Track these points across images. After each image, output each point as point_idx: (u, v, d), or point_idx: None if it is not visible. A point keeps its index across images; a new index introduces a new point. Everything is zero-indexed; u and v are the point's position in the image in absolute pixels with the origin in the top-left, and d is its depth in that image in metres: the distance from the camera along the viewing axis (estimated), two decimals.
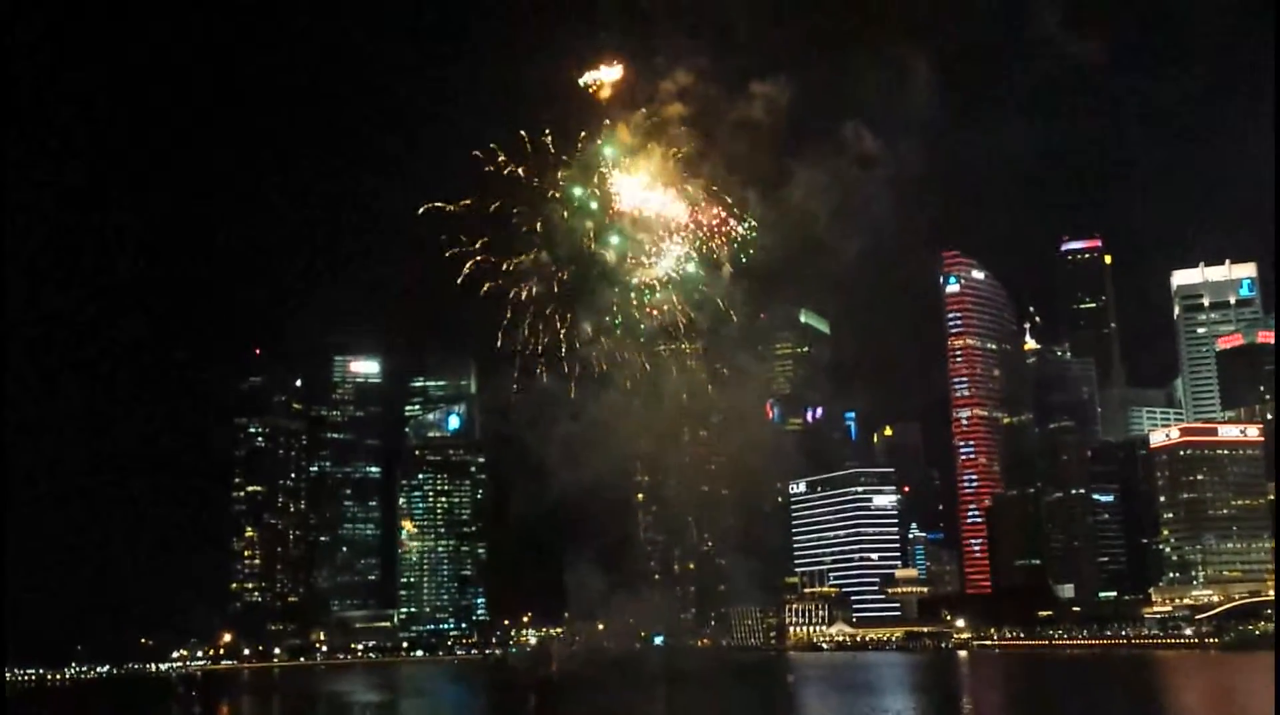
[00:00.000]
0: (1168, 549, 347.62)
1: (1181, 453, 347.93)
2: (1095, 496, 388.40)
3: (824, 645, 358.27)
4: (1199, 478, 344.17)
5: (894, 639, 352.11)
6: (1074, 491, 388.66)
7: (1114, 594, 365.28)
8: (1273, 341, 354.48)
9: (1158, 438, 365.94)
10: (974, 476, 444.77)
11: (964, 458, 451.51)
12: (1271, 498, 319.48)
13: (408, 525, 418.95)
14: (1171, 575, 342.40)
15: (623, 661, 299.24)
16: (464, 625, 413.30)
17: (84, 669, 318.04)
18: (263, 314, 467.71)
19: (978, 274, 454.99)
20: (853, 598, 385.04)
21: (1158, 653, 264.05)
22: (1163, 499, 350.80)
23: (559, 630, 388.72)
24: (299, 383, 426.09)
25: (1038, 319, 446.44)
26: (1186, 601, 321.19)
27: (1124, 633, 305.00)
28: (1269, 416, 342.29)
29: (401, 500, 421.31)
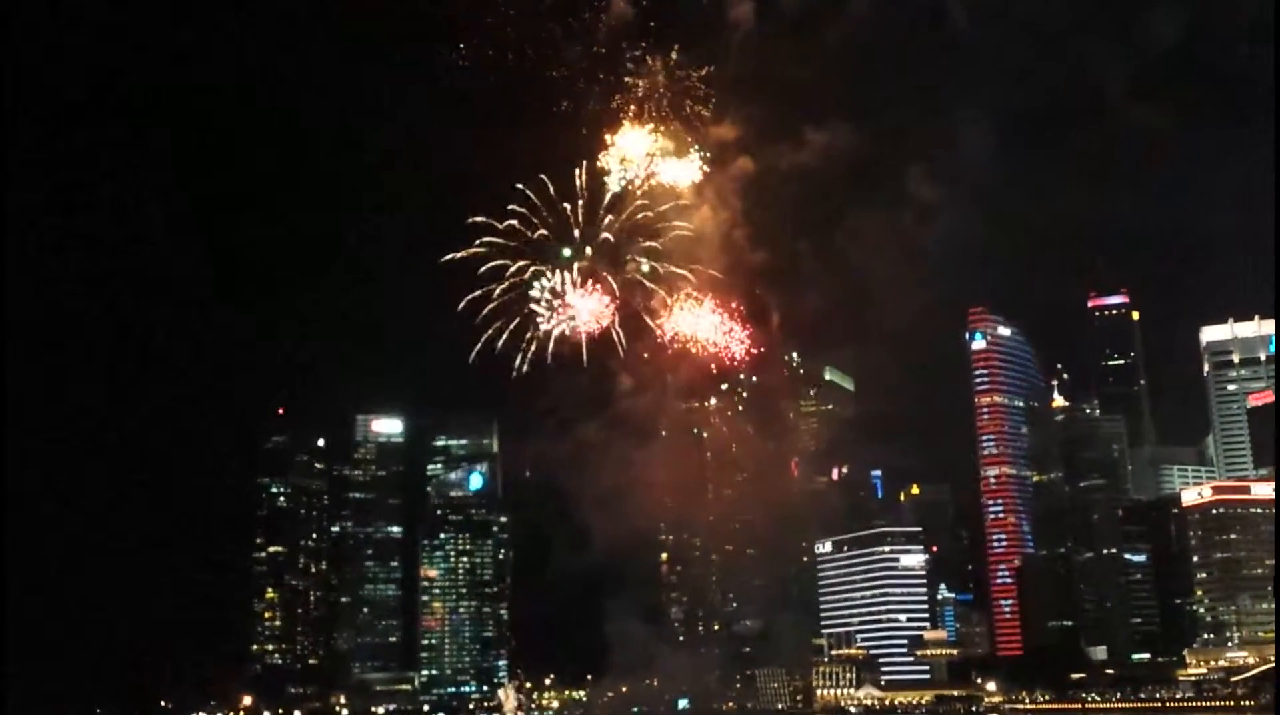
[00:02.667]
0: (1201, 609, 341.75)
1: (1214, 511, 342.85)
2: (1127, 556, 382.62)
3: (852, 709, 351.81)
4: (1232, 537, 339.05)
5: (924, 703, 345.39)
6: (1105, 551, 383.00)
7: (1147, 656, 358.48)
8: None
9: (1190, 496, 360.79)
10: (1003, 536, 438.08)
11: (992, 517, 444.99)
12: None
13: (428, 586, 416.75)
14: (1206, 636, 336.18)
15: None
16: (485, 687, 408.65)
17: None
18: (286, 373, 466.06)
19: (1004, 330, 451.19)
20: (881, 660, 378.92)
21: None
22: (1196, 559, 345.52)
23: (583, 693, 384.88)
24: (321, 442, 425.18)
25: (1065, 376, 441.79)
26: (1221, 663, 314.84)
27: (1158, 695, 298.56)
28: None
29: (424, 560, 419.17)
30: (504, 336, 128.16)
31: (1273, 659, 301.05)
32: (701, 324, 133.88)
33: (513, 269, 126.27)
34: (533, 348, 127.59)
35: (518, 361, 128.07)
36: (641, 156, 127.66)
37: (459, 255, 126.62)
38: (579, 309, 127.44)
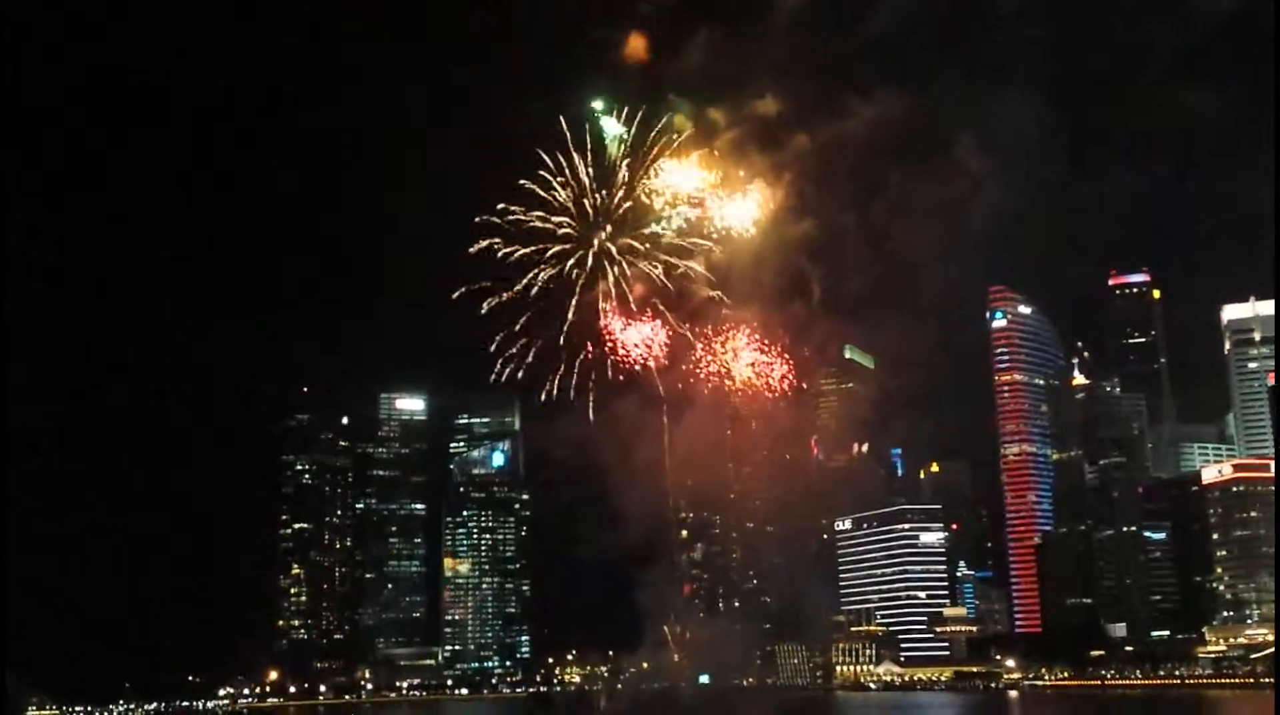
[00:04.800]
0: (1221, 587, 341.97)
1: (1234, 489, 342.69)
2: (1147, 534, 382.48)
3: (871, 685, 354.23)
4: (1252, 515, 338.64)
5: (943, 679, 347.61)
6: (1125, 529, 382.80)
7: (1167, 633, 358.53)
8: None
9: (1210, 474, 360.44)
10: (1022, 514, 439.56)
11: (1012, 494, 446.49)
12: None
13: (451, 562, 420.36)
14: (1225, 614, 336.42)
15: (668, 700, 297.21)
16: (508, 663, 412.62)
17: (131, 706, 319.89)
18: (310, 351, 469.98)
19: (1024, 309, 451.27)
20: (900, 637, 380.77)
21: (1212, 692, 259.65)
22: (1216, 536, 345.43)
23: (604, 667, 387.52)
24: (345, 420, 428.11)
25: (1086, 354, 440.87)
26: (1241, 640, 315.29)
27: (1177, 672, 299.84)
28: None
29: (446, 537, 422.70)
30: (531, 352, 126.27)
31: None
32: (742, 360, 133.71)
33: (545, 275, 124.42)
34: (568, 378, 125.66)
35: (547, 387, 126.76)
36: (692, 190, 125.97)
37: (486, 244, 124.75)
38: (626, 341, 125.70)
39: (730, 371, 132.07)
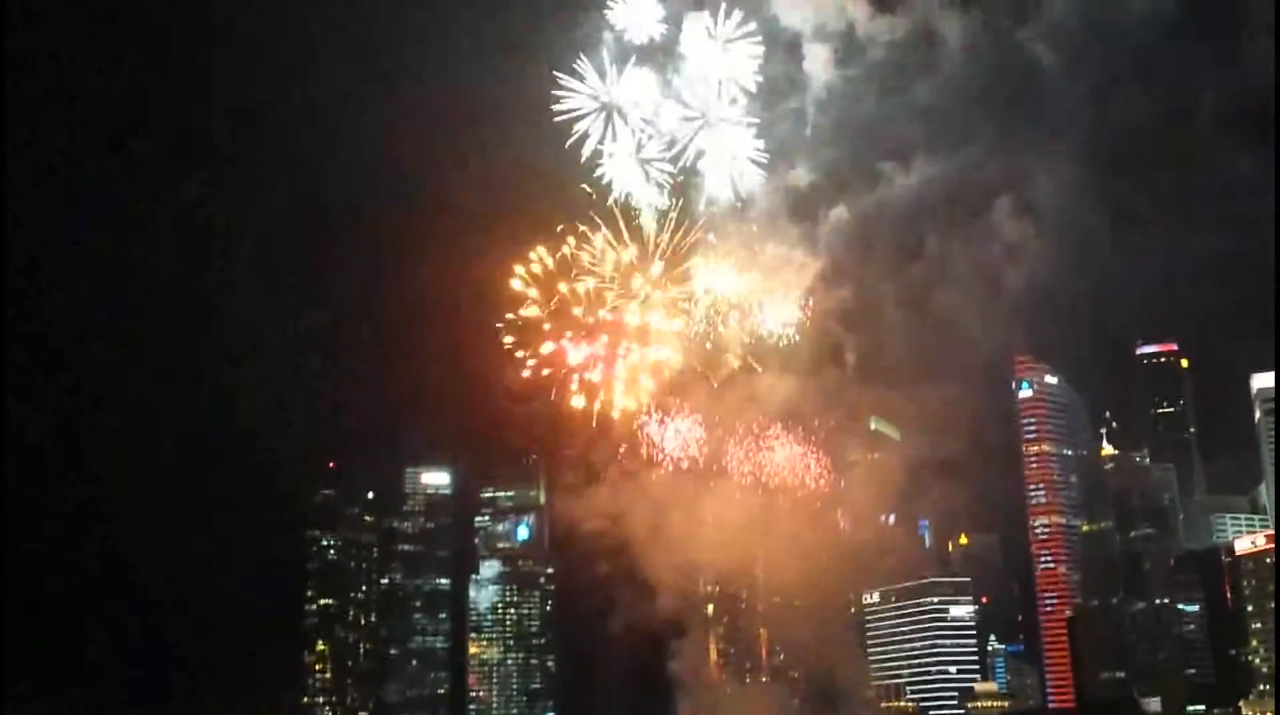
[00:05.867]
0: (1257, 660, 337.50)
1: (1268, 560, 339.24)
2: (1180, 607, 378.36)
3: None
4: None
5: None
6: (1158, 601, 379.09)
7: (1202, 707, 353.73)
8: None
9: (1243, 545, 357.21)
10: (1053, 586, 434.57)
11: (1043, 567, 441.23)
12: None
13: (475, 638, 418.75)
14: (1262, 687, 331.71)
15: None
16: None
17: None
18: (337, 427, 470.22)
19: (1051, 378, 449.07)
20: (931, 712, 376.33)
21: None
22: (1250, 608, 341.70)
23: None
24: (370, 495, 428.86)
25: (1114, 424, 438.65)
26: None
27: None
28: None
29: (471, 612, 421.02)
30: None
31: None
32: (779, 457, 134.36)
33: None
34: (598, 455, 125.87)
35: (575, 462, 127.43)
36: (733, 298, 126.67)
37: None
38: (667, 442, 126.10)
39: (765, 470, 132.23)
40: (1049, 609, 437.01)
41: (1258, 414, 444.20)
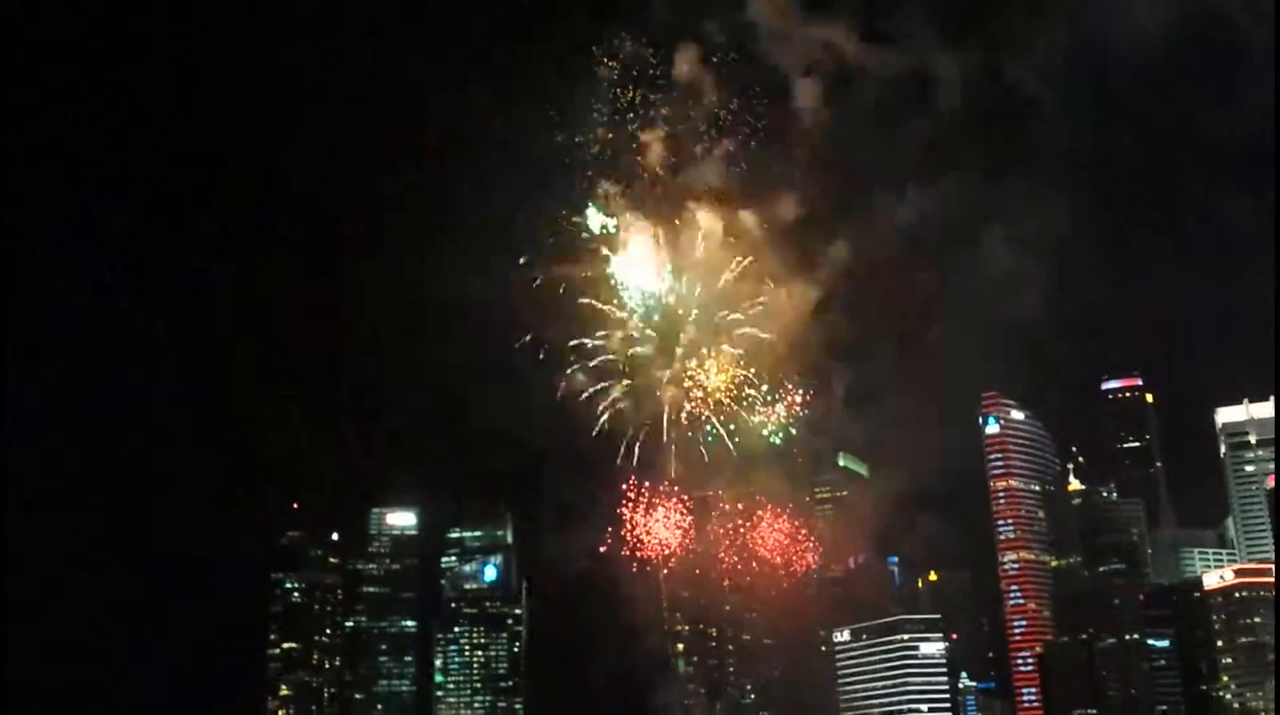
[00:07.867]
0: (1229, 695, 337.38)
1: (1237, 595, 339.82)
2: (1150, 642, 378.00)
3: None
4: (1256, 620, 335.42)
5: None
6: (1128, 637, 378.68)
7: None
8: None
9: (1211, 580, 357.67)
10: (1023, 622, 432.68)
11: (1012, 603, 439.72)
12: None
13: (442, 680, 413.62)
14: None
15: None
16: None
17: None
18: (300, 469, 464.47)
19: (1017, 414, 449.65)
20: None
21: None
22: (1220, 643, 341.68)
23: None
24: (335, 536, 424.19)
25: (1081, 459, 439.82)
26: None
27: None
28: None
29: (438, 654, 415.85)
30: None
31: None
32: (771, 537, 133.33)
33: None
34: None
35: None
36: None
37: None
38: (652, 531, 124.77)
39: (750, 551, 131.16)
40: (1019, 645, 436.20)
41: (1223, 448, 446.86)
